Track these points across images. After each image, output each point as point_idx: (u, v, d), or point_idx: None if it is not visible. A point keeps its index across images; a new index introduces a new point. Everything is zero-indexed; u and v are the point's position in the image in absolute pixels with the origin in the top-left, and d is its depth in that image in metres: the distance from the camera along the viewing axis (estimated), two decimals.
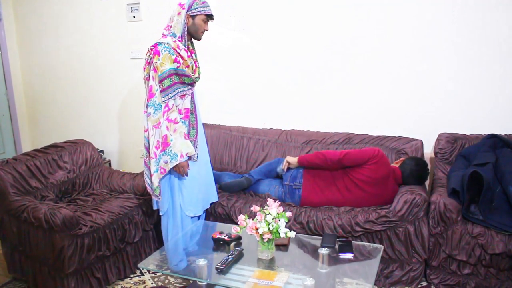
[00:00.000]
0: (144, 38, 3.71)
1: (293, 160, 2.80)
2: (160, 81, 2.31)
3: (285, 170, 2.81)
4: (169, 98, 2.33)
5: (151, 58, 2.33)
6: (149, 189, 2.46)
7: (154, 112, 2.32)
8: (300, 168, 2.76)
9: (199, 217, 2.65)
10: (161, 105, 2.32)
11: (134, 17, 3.70)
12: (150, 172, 2.39)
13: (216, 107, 3.52)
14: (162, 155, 2.34)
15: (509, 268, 2.28)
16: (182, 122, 2.40)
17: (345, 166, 2.63)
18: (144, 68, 2.40)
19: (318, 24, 3.14)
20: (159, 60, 2.29)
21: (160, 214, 2.55)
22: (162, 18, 3.57)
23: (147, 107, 2.35)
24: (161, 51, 2.30)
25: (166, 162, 2.34)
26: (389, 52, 2.99)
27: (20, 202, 2.49)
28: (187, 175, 2.43)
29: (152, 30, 3.65)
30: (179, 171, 2.40)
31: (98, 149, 3.34)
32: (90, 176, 3.09)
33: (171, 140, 2.33)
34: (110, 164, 4.03)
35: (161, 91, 2.31)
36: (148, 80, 2.36)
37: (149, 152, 2.39)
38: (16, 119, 4.40)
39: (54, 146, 3.04)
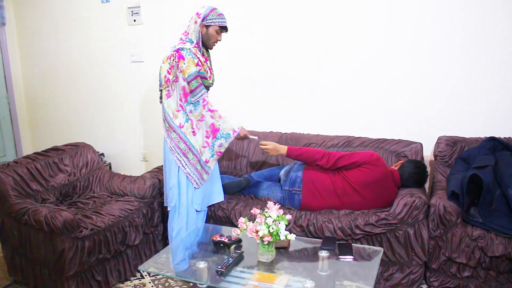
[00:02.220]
0: (145, 41, 3.73)
1: (280, 150, 2.70)
2: (188, 83, 2.46)
3: (261, 147, 2.74)
4: (197, 99, 2.48)
5: (176, 62, 2.46)
6: (194, 180, 2.59)
7: (194, 109, 2.50)
8: (300, 172, 2.75)
9: (203, 214, 2.72)
10: (199, 101, 2.48)
11: (134, 20, 3.71)
12: (200, 160, 2.57)
13: None
14: (215, 141, 2.55)
15: (509, 270, 2.28)
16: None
17: (339, 167, 2.64)
18: (169, 72, 2.52)
19: (318, 28, 3.15)
20: (184, 64, 2.44)
21: (168, 209, 2.65)
22: (162, 22, 3.60)
23: (185, 106, 2.51)
24: (185, 56, 2.45)
25: (220, 146, 2.57)
26: (389, 55, 3.01)
27: (21, 205, 2.49)
28: (248, 138, 2.68)
29: (153, 34, 3.67)
30: (243, 138, 2.65)
31: (98, 152, 3.34)
32: (90, 179, 3.09)
33: (219, 125, 2.53)
34: (110, 167, 4.04)
35: (190, 92, 2.47)
36: (176, 81, 2.49)
37: (189, 147, 2.54)
38: (16, 122, 4.41)
39: (54, 149, 3.04)
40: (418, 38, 2.91)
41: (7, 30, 4.22)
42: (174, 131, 2.54)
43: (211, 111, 2.51)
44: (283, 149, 2.71)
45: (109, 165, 4.04)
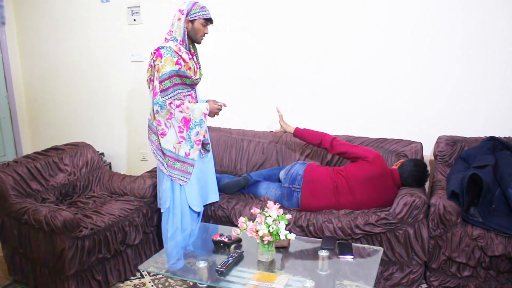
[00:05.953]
0: (145, 41, 3.73)
1: (288, 128, 2.86)
2: (161, 82, 2.42)
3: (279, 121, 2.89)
4: (168, 99, 2.44)
5: (154, 60, 2.45)
6: (178, 178, 2.54)
7: (161, 109, 2.44)
8: (301, 170, 2.75)
9: (198, 214, 2.71)
10: (166, 102, 2.44)
11: (134, 20, 3.72)
12: (177, 158, 2.51)
13: None
14: (190, 131, 2.50)
15: (509, 270, 2.28)
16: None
17: (338, 153, 2.72)
18: (148, 70, 2.52)
19: (318, 28, 3.15)
20: (161, 62, 2.41)
21: (162, 211, 2.63)
22: (162, 21, 3.59)
23: (153, 105, 2.46)
24: (164, 54, 2.41)
25: (197, 134, 2.52)
26: (389, 55, 3.01)
27: (21, 204, 2.49)
28: (220, 109, 2.63)
29: (153, 33, 3.67)
30: (215, 114, 2.60)
31: (98, 151, 3.34)
32: (90, 178, 3.09)
33: (189, 115, 2.49)
34: (110, 167, 4.04)
35: (160, 91, 2.43)
36: (152, 81, 2.46)
37: (162, 150, 2.51)
38: (16, 122, 4.41)
39: (54, 148, 3.04)
40: (418, 38, 2.91)
41: (7, 30, 4.22)
42: (154, 133, 2.52)
43: (178, 106, 2.46)
44: (292, 128, 2.85)
45: (109, 165, 4.04)
